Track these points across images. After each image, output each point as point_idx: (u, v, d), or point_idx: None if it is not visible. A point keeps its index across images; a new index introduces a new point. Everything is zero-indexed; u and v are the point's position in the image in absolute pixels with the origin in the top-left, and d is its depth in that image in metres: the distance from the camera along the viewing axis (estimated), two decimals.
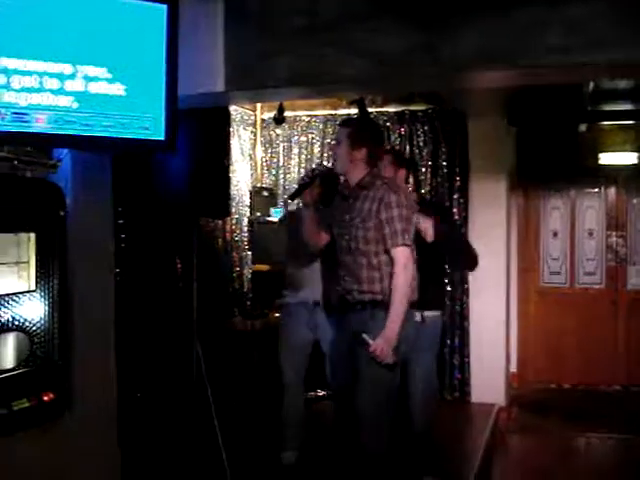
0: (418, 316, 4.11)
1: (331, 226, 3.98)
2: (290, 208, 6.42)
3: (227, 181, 4.45)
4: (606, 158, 7.87)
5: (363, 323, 3.69)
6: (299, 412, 4.89)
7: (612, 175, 7.98)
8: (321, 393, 5.04)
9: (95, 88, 2.85)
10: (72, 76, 2.80)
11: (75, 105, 2.81)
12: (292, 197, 4.24)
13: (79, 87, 2.82)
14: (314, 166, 4.91)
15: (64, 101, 2.79)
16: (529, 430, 6.52)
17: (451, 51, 3.18)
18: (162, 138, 3.04)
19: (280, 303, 4.99)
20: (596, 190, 8.07)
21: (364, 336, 3.63)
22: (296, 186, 4.50)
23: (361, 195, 3.75)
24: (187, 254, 4.73)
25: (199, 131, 4.10)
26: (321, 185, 4.21)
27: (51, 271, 3.14)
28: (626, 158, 7.83)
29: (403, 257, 3.65)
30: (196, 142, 4.04)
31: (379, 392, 3.67)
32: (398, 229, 3.64)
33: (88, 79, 2.83)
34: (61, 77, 2.77)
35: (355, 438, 3.73)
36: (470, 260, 4.62)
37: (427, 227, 4.20)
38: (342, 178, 3.98)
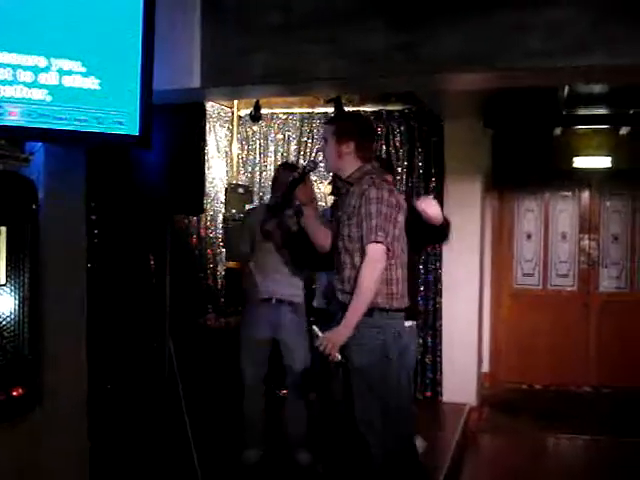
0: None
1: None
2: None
3: (202, 178, 4.43)
4: (580, 162, 7.94)
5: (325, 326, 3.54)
6: (259, 412, 4.82)
7: (586, 179, 8.06)
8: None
9: (69, 82, 2.83)
10: (46, 69, 2.77)
11: (49, 98, 2.79)
12: (285, 197, 3.98)
13: (53, 80, 2.79)
14: (307, 161, 4.85)
15: (38, 94, 2.77)
16: (500, 430, 6.56)
17: (430, 52, 3.17)
18: (136, 133, 3.01)
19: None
20: (570, 193, 8.14)
21: (314, 328, 3.54)
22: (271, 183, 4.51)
23: (350, 191, 3.62)
24: (161, 250, 4.71)
25: (174, 127, 4.07)
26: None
27: (22, 265, 3.10)
28: (600, 162, 7.91)
29: (373, 253, 3.44)
30: (171, 138, 4.02)
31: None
32: (373, 225, 3.44)
33: (62, 72, 2.81)
34: (35, 70, 2.75)
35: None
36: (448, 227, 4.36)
37: (434, 209, 3.91)
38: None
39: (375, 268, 3.45)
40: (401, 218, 3.58)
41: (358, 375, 3.51)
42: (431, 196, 4.17)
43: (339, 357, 3.45)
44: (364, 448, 3.54)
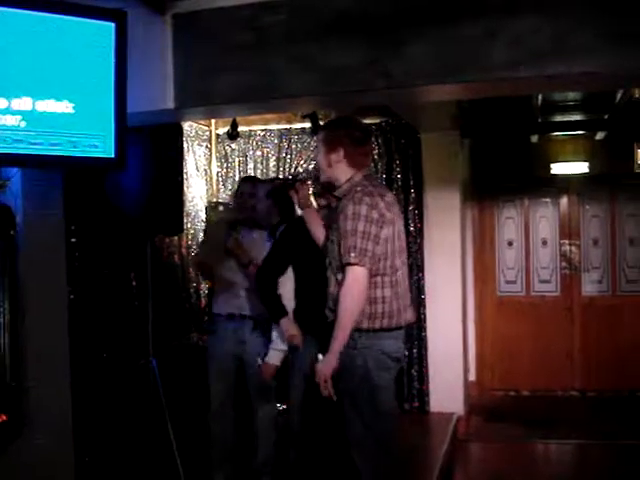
0: None
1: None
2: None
3: (181, 198, 4.43)
4: (558, 168, 8.02)
5: (326, 346, 3.40)
6: (226, 431, 4.68)
7: (564, 184, 8.13)
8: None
9: (43, 107, 2.83)
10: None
11: (23, 124, 2.79)
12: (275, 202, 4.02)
13: (27, 106, 2.80)
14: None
15: (11, 120, 2.77)
16: (488, 438, 6.58)
17: (401, 66, 3.20)
18: (112, 156, 3.00)
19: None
20: (549, 199, 8.21)
21: (319, 357, 3.41)
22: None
23: (339, 204, 3.49)
24: (142, 271, 4.71)
25: (152, 148, 4.08)
26: (274, 201, 4.20)
27: (1, 291, 3.10)
28: (577, 168, 7.99)
29: (351, 278, 3.30)
30: (149, 159, 4.03)
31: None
32: (350, 245, 3.29)
33: (35, 97, 2.82)
34: (8, 96, 2.76)
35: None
36: None
37: None
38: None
39: (352, 292, 3.31)
40: (387, 233, 3.40)
41: (345, 399, 3.42)
42: None
43: (331, 390, 3.34)
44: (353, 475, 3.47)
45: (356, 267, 3.30)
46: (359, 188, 3.44)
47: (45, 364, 3.43)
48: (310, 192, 3.84)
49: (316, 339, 3.83)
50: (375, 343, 3.39)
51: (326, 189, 3.79)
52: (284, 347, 4.20)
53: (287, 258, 4.17)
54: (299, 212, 3.96)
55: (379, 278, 3.40)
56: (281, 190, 4.31)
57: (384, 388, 3.45)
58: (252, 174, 7.09)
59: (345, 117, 3.82)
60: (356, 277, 3.30)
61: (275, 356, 4.26)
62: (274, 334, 4.25)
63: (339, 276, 3.39)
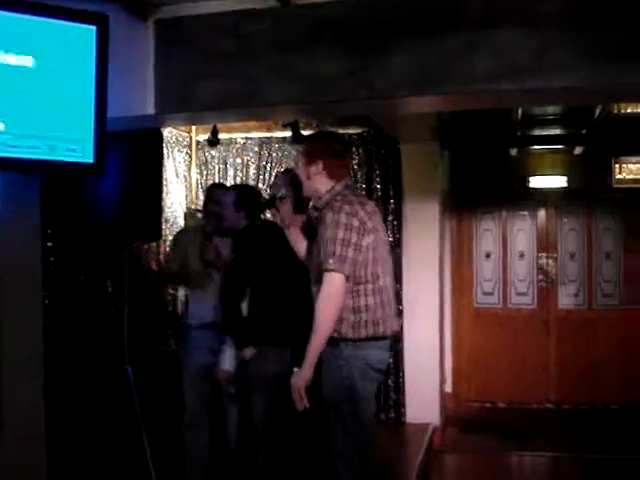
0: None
1: None
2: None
3: (159, 204, 4.42)
4: (536, 181, 8.08)
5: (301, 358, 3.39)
6: (201, 443, 4.64)
7: (542, 198, 8.19)
8: None
9: (21, 109, 2.81)
10: None
11: (1, 127, 2.77)
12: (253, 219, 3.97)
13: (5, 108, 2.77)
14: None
15: None
16: (464, 449, 6.59)
17: (382, 77, 3.23)
18: (90, 161, 2.98)
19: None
20: (527, 212, 8.26)
21: (295, 370, 3.42)
22: None
23: (319, 215, 3.49)
24: (119, 277, 4.68)
25: (131, 153, 4.07)
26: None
27: None
28: (555, 181, 8.05)
29: (328, 285, 3.27)
30: (128, 164, 4.01)
31: None
32: (329, 252, 3.27)
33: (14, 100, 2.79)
34: None
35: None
36: None
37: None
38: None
39: (329, 298, 3.29)
40: (369, 240, 3.38)
41: (329, 410, 3.41)
42: None
43: (306, 404, 3.30)
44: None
45: (334, 273, 3.28)
46: (339, 197, 3.45)
47: (19, 368, 3.39)
48: (290, 209, 3.79)
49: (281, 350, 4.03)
50: (360, 354, 3.37)
51: (301, 204, 3.77)
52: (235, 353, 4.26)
53: (246, 279, 4.20)
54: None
55: (362, 287, 3.38)
56: (247, 195, 4.30)
57: (367, 399, 3.45)
58: (232, 182, 7.08)
59: (324, 131, 3.86)
60: (334, 283, 3.28)
61: (228, 361, 4.30)
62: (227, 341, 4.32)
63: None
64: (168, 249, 6.06)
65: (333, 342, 3.34)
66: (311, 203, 3.70)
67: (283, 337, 4.16)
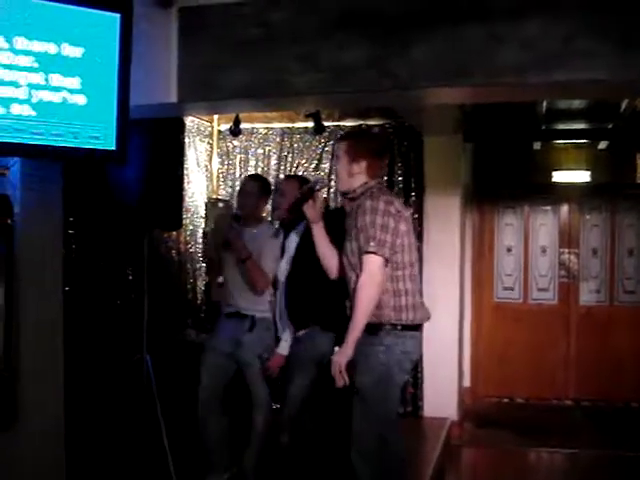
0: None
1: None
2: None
3: (180, 193, 4.42)
4: (559, 176, 8.01)
5: (342, 339, 3.47)
6: (216, 431, 4.62)
7: (565, 193, 8.11)
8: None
9: (45, 96, 2.81)
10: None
11: (25, 113, 2.77)
12: (292, 211, 3.92)
13: (29, 95, 2.77)
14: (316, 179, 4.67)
15: (14, 109, 2.75)
16: (481, 444, 6.57)
17: (406, 67, 3.21)
18: (113, 148, 2.99)
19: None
20: (549, 207, 8.18)
21: (335, 349, 3.50)
22: None
23: (353, 207, 3.59)
24: (139, 265, 4.68)
25: (154, 141, 4.08)
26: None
27: None
28: (579, 176, 7.98)
29: (370, 266, 3.38)
30: (150, 152, 4.02)
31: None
32: (369, 236, 3.38)
33: (38, 88, 2.79)
34: (15, 85, 2.73)
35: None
36: None
37: None
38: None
39: (371, 277, 3.39)
40: (405, 227, 3.51)
41: (359, 398, 3.46)
42: None
43: (347, 380, 3.38)
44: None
45: (375, 256, 3.39)
46: (375, 189, 3.58)
47: (40, 355, 3.41)
48: (322, 203, 3.86)
49: (327, 331, 4.09)
50: (399, 342, 3.47)
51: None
52: (290, 338, 4.41)
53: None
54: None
55: (400, 272, 3.50)
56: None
57: (397, 389, 3.55)
58: (253, 172, 7.07)
59: (366, 129, 3.95)
60: (375, 265, 3.39)
61: (285, 347, 4.42)
62: (280, 326, 4.46)
63: (359, 272, 3.44)
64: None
65: (373, 330, 3.43)
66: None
67: (330, 321, 4.18)
